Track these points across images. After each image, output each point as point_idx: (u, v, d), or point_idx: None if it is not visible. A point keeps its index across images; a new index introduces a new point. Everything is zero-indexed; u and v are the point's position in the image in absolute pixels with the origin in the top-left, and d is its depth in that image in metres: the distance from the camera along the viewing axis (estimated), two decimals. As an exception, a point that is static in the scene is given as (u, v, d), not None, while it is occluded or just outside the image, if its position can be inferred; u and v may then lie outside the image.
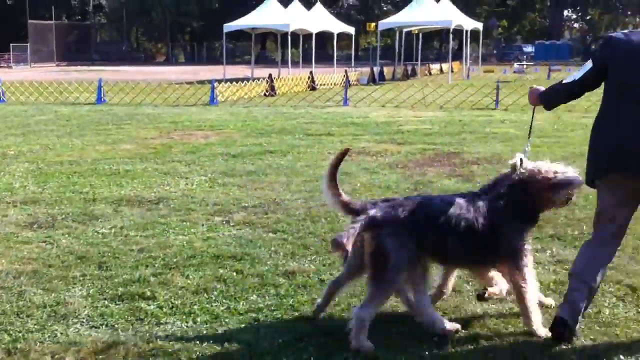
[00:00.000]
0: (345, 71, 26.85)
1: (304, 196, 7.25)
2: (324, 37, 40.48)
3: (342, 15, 62.89)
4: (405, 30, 37.57)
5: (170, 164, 9.22)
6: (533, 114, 4.66)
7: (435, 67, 40.59)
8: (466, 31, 35.13)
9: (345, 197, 3.91)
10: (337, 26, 35.96)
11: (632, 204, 3.81)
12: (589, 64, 3.93)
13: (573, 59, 61.81)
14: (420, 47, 40.24)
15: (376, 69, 31.37)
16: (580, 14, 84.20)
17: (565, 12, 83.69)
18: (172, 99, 19.60)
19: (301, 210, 6.67)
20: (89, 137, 11.98)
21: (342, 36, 38.52)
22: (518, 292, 3.84)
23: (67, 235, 5.85)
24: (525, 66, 34.42)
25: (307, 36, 36.48)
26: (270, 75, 22.39)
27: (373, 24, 35.49)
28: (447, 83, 26.95)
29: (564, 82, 4.11)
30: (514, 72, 33.46)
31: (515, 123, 13.48)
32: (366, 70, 32.06)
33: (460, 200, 3.86)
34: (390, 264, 3.64)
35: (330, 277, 4.74)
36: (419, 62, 38.84)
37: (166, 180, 8.19)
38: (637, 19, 77.74)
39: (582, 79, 3.94)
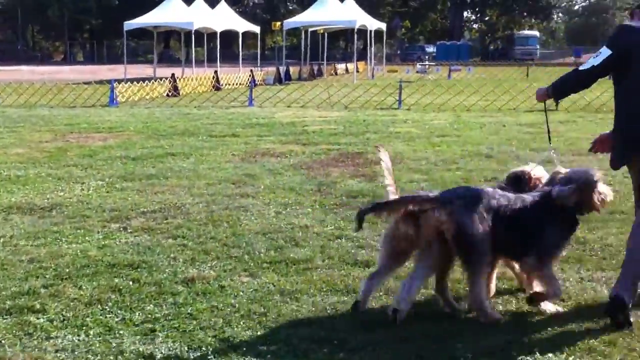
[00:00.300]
0: (251, 71, 26.72)
1: (206, 200, 7.11)
2: (229, 36, 40.14)
3: (248, 14, 62.62)
4: (310, 29, 37.78)
5: (65, 169, 8.84)
6: (546, 115, 5.12)
7: (341, 66, 41.03)
8: (370, 31, 35.70)
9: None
10: (242, 25, 35.71)
11: None
12: (605, 51, 4.05)
13: (472, 59, 64.07)
14: (326, 47, 40.56)
15: (282, 69, 31.37)
16: (479, 15, 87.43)
17: (465, 14, 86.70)
18: (69, 100, 18.84)
19: (203, 214, 6.54)
20: (-23, 141, 11.34)
21: (248, 35, 38.36)
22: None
23: (-52, 248, 5.48)
24: (427, 66, 35.31)
25: (212, 35, 36.00)
26: (173, 75, 21.93)
27: (278, 23, 35.48)
28: (352, 83, 27.28)
29: (580, 69, 4.24)
30: (417, 72, 34.28)
31: (418, 123, 13.77)
32: (272, 69, 32.01)
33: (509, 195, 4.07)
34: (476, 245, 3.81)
35: (231, 283, 4.67)
36: (324, 62, 39.13)
37: (60, 185, 7.84)
38: (532, 20, 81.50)
39: (601, 65, 4.05)
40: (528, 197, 4.08)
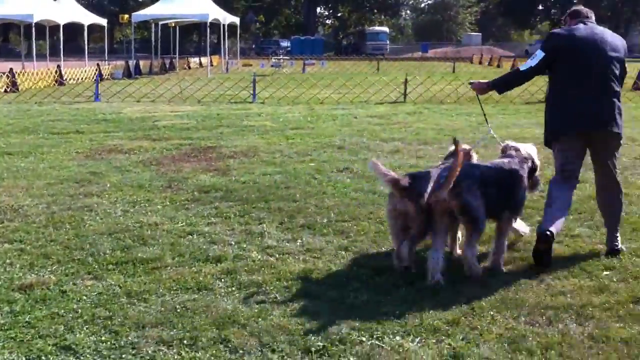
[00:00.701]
0: (97, 65, 25.54)
1: (47, 201, 6.66)
2: (74, 29, 38.15)
3: (94, 6, 59.92)
4: (161, 23, 36.71)
5: None
6: (480, 104, 6.30)
7: (194, 60, 40.27)
8: (224, 25, 35.30)
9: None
10: (87, 17, 34.00)
11: (582, 156, 5.10)
12: (540, 54, 5.11)
13: (326, 54, 65.23)
14: (178, 41, 39.60)
15: (132, 63, 30.25)
16: (332, 11, 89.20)
17: (319, 9, 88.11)
18: None
19: (42, 216, 6.12)
20: None
21: (95, 28, 36.64)
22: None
23: None
24: (282, 60, 35.49)
25: (55, 28, 34.02)
26: (11, 69, 20.43)
27: (126, 16, 34.13)
28: (205, 77, 26.83)
29: (521, 69, 5.25)
30: (271, 66, 34.30)
31: (272, 116, 13.75)
32: (121, 63, 30.78)
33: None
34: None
35: (73, 287, 4.40)
36: (177, 56, 38.23)
37: None
38: (382, 16, 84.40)
39: (538, 66, 5.11)
40: (505, 166, 4.93)
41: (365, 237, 5.50)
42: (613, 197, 5.07)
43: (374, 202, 6.56)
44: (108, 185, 7.36)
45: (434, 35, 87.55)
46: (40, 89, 20.09)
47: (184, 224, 5.92)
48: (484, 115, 6.29)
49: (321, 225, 5.82)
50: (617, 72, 4.98)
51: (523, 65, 5.21)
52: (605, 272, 4.63)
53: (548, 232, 4.72)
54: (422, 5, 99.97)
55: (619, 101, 4.96)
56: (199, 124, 12.43)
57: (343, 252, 5.14)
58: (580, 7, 5.39)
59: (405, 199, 4.58)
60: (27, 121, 12.82)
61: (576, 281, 4.48)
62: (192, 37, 78.09)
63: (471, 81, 5.56)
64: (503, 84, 5.40)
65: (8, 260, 4.95)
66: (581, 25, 5.14)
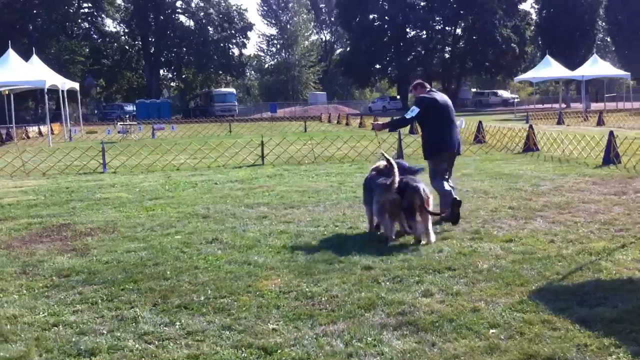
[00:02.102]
0: (372, 123, 23.49)
1: None
2: None
3: None
4: (-6, 90, 34.57)
5: None
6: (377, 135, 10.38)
7: (33, 129, 38.10)
8: (63, 91, 33.90)
9: None
10: None
11: (449, 164, 8.94)
12: (416, 109, 8.68)
13: (174, 117, 64.52)
14: (13, 109, 37.40)
15: (-37, 134, 28.09)
16: (175, 73, 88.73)
17: (162, 72, 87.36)
18: None
19: None
20: None
21: None
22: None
23: None
24: (129, 126, 34.53)
25: None
26: None
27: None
28: (48, 147, 25.45)
29: (406, 117, 8.79)
30: (118, 132, 33.21)
31: (127, 186, 13.17)
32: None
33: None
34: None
35: None
36: (13, 125, 36.04)
37: None
38: (227, 77, 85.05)
39: (416, 116, 8.70)
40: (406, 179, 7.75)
41: (248, 312, 5.28)
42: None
43: (250, 273, 6.37)
44: (-51, 276, 6.61)
45: (281, 95, 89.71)
46: None
47: (46, 314, 5.41)
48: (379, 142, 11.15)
49: (199, 304, 5.53)
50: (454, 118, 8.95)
51: (407, 115, 8.76)
52: (492, 330, 4.74)
53: (458, 198, 8.38)
54: (266, 65, 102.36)
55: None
56: (47, 200, 11.62)
57: (227, 332, 4.89)
58: (422, 81, 9.34)
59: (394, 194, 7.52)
60: None
61: (466, 342, 4.54)
62: (28, 104, 74.28)
63: (372, 122, 9.23)
64: (396, 126, 9.79)
65: None
66: (433, 92, 9.02)
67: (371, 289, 5.77)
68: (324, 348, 4.55)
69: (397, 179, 7.44)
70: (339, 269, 6.41)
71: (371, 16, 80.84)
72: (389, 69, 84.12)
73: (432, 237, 7.37)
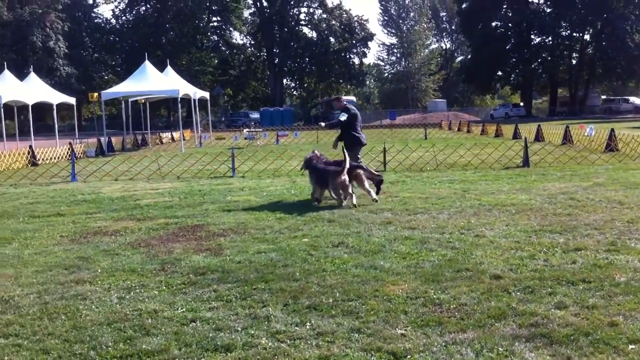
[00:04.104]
0: (70, 144, 25.33)
1: (38, 290, 6.41)
2: (42, 108, 38.08)
3: (62, 84, 60.10)
4: (131, 99, 36.87)
5: None
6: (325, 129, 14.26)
7: (166, 135, 40.28)
8: (194, 100, 35.56)
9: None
10: (55, 97, 34.01)
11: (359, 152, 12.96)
12: (345, 115, 12.43)
13: (296, 123, 65.91)
14: (148, 116, 39.71)
15: (104, 140, 30.12)
16: (298, 82, 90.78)
17: (285, 81, 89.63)
18: None
19: (36, 307, 5.86)
20: None
21: (63, 106, 36.61)
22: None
23: None
24: (255, 133, 35.68)
25: (22, 107, 33.93)
26: (-18, 151, 20.16)
27: (96, 94, 34.18)
28: (181, 152, 26.78)
29: (341, 119, 12.43)
30: (245, 138, 34.45)
31: (254, 190, 13.63)
32: (92, 141, 30.63)
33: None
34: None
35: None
36: (149, 131, 38.23)
37: None
38: (348, 86, 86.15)
39: (344, 121, 12.44)
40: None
41: (376, 316, 5.33)
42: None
43: (377, 277, 6.42)
44: (99, 270, 7.12)
45: (400, 103, 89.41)
46: (14, 170, 19.78)
47: (184, 309, 5.70)
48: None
49: (328, 306, 5.64)
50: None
51: (341, 118, 12.42)
52: (631, 346, 4.52)
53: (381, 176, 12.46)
54: (386, 74, 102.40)
55: None
56: (182, 201, 12.25)
57: (356, 335, 4.96)
58: (339, 97, 13.61)
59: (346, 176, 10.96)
60: (5, 205, 12.52)
61: (603, 357, 4.37)
62: (161, 111, 78.46)
63: (320, 123, 14.04)
64: (335, 126, 13.14)
65: (6, 357, 4.69)
66: (348, 104, 12.95)
67: (501, 298, 5.66)
68: (453, 356, 4.51)
69: (347, 165, 11.01)
70: (467, 277, 6.33)
71: (494, 23, 79.06)
72: (512, 75, 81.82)
73: (374, 195, 11.35)
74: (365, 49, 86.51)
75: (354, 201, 10.91)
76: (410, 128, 47.05)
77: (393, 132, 41.48)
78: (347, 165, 10.94)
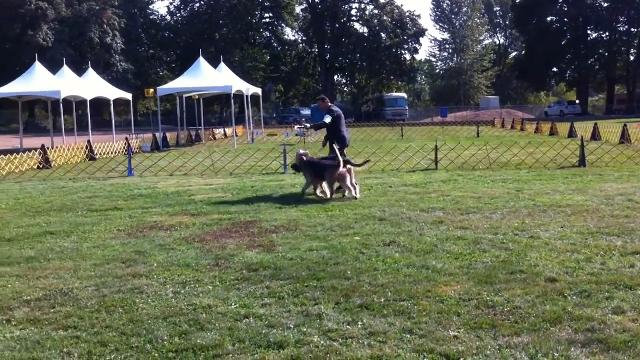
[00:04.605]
0: (126, 139, 25.89)
1: (96, 283, 6.59)
2: (99, 103, 39.03)
3: (119, 80, 61.42)
4: (185, 95, 37.46)
5: None
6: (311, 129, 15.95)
7: (219, 131, 40.79)
8: (246, 96, 35.90)
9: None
10: (112, 92, 34.83)
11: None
12: (329, 117, 12.73)
13: (347, 120, 65.87)
14: (202, 112, 40.29)
15: (159, 135, 30.69)
16: (349, 78, 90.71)
17: (336, 77, 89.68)
18: None
19: (94, 299, 6.03)
20: None
21: (119, 101, 37.44)
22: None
23: None
24: (306, 129, 35.76)
25: (80, 102, 34.85)
26: (43, 146, 20.78)
27: (152, 90, 34.88)
28: (233, 148, 27.09)
29: (326, 121, 12.73)
30: (296, 134, 34.61)
31: (305, 187, 13.69)
32: (148, 136, 31.22)
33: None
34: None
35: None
36: (202, 127, 38.77)
37: None
38: (399, 82, 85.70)
39: (330, 122, 12.72)
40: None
41: (428, 317, 5.31)
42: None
43: (429, 278, 6.39)
44: (154, 265, 7.28)
45: (451, 99, 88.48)
46: (73, 164, 20.34)
47: (237, 305, 5.78)
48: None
49: (379, 305, 5.64)
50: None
51: (325, 120, 12.72)
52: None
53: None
54: (437, 70, 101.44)
55: None
56: (234, 197, 12.41)
57: (408, 335, 4.96)
58: (324, 96, 13.89)
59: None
60: (64, 198, 12.90)
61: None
62: (214, 107, 79.44)
63: (305, 124, 15.25)
64: (318, 128, 14.04)
65: (65, 349, 4.84)
66: (332, 104, 13.25)
67: (556, 302, 5.57)
68: (507, 360, 4.47)
69: (341, 160, 11.81)
70: (521, 279, 6.25)
71: (549, 18, 77.44)
72: (567, 72, 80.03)
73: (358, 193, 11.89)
74: (416, 45, 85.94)
75: (356, 193, 11.80)
76: (461, 125, 46.53)
77: (444, 130, 41.11)
78: (342, 159, 11.77)
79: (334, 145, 12.56)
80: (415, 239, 8.14)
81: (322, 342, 4.88)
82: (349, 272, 6.68)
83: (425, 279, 6.36)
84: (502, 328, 5.02)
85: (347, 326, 5.19)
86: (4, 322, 5.46)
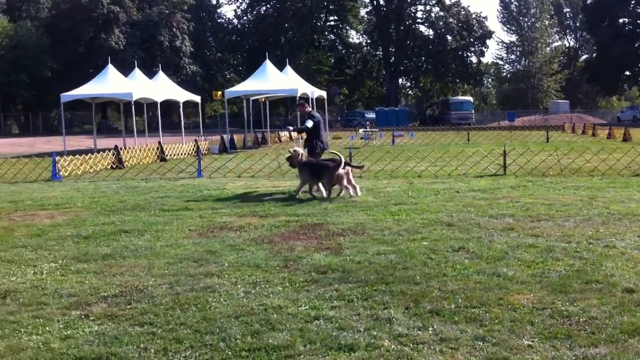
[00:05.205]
0: (196, 141, 26.44)
1: (169, 281, 6.76)
2: (169, 105, 40.00)
3: (187, 82, 62.75)
4: (252, 98, 37.99)
5: (14, 250, 8.34)
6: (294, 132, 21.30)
7: (284, 134, 41.18)
8: (312, 99, 36.15)
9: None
10: (182, 94, 35.62)
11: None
12: (310, 122, 13.54)
13: (411, 124, 65.48)
14: (268, 114, 40.77)
15: (226, 137, 31.22)
16: (414, 82, 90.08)
17: (401, 80, 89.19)
18: (10, 175, 18.15)
19: (168, 297, 6.19)
20: None
21: (188, 103, 38.25)
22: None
23: None
24: (371, 133, 35.81)
25: (151, 104, 35.80)
26: (116, 146, 21.45)
27: (220, 93, 35.51)
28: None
29: (308, 126, 13.60)
30: (361, 138, 34.67)
31: (372, 190, 13.69)
32: (216, 138, 31.79)
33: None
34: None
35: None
36: (268, 130, 39.24)
37: (11, 269, 7.36)
38: (465, 85, 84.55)
39: (311, 127, 13.57)
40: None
41: (501, 325, 5.24)
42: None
43: (500, 285, 6.30)
44: (225, 264, 7.42)
45: (519, 103, 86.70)
46: (145, 165, 20.91)
47: (307, 307, 5.83)
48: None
49: (450, 312, 5.59)
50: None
51: (307, 124, 13.49)
52: None
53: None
54: (504, 73, 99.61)
55: None
56: (302, 200, 12.50)
57: (480, 343, 4.90)
58: (304, 101, 14.94)
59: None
60: (138, 198, 13.28)
61: None
62: (279, 110, 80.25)
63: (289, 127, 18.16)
64: (301, 132, 14.58)
65: (142, 345, 4.98)
66: (313, 110, 14.44)
67: (634, 313, 5.40)
68: (585, 370, 4.37)
69: (342, 161, 12.37)
70: (597, 289, 6.09)
71: (621, 20, 75.00)
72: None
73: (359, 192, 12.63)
74: (483, 48, 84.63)
75: (358, 192, 12.59)
76: (530, 130, 45.57)
77: (512, 134, 40.34)
78: (343, 160, 12.37)
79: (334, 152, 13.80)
80: (485, 246, 8.03)
81: (392, 346, 4.88)
82: (418, 277, 6.65)
83: (497, 287, 6.27)
84: (579, 338, 4.91)
85: (418, 331, 5.17)
86: (83, 317, 5.67)
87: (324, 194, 12.41)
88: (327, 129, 44.99)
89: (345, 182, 12.35)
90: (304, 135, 14.44)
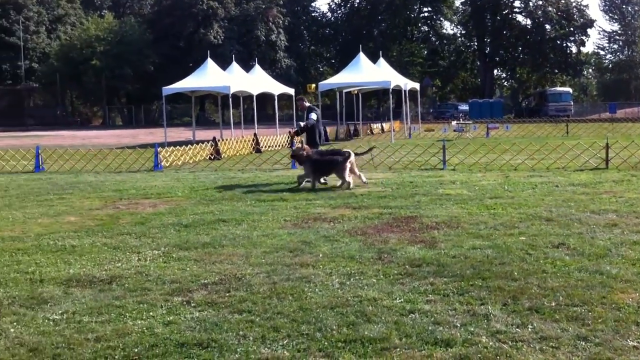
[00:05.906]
0: (289, 132, 26.78)
1: (266, 270, 6.91)
2: (264, 97, 40.73)
3: (282, 76, 63.63)
4: (345, 90, 38.11)
5: (119, 237, 8.75)
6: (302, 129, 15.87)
7: (376, 126, 41.09)
8: (405, 91, 35.86)
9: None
10: (277, 88, 36.17)
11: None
12: (315, 115, 14.88)
13: (506, 116, 63.77)
14: (360, 107, 40.79)
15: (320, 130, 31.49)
16: (509, 73, 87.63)
17: (495, 72, 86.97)
18: (114, 165, 19.03)
19: (265, 286, 6.33)
20: (30, 209, 11.37)
21: (282, 96, 38.80)
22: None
23: (15, 324, 5.35)
24: (464, 125, 35.19)
25: (246, 97, 36.55)
26: (214, 138, 22.07)
27: (313, 85, 35.84)
28: (391, 143, 27.18)
29: (312, 119, 14.61)
30: (454, 130, 34.10)
31: (466, 184, 13.48)
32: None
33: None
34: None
35: (307, 365, 4.42)
36: (360, 122, 39.26)
37: (117, 255, 7.72)
38: (564, 76, 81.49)
39: (315, 121, 14.82)
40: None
41: (604, 325, 5.05)
42: None
43: (604, 283, 6.07)
44: (320, 255, 7.50)
45: (621, 95, 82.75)
46: (241, 156, 21.42)
47: (402, 300, 5.82)
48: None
49: (550, 310, 5.44)
50: None
51: (312, 117, 14.48)
52: None
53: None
54: (606, 63, 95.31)
55: None
56: (394, 192, 12.48)
57: (583, 343, 4.75)
58: (302, 96, 15.88)
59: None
60: (234, 188, 13.62)
61: None
62: (371, 102, 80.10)
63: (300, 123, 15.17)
64: (302, 131, 15.03)
65: (241, 332, 5.11)
66: (311, 104, 15.32)
67: None
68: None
69: (351, 153, 13.43)
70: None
71: None
72: None
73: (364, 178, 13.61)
74: (584, 37, 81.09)
75: (363, 179, 13.54)
76: (633, 122, 43.47)
77: (614, 127, 38.61)
78: (352, 155, 13.35)
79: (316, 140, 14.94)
80: (587, 242, 7.76)
81: (490, 343, 4.80)
82: (515, 273, 6.51)
83: (600, 285, 6.05)
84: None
85: (517, 329, 5.07)
86: (185, 303, 5.87)
87: (345, 185, 13.12)
88: (420, 122, 44.68)
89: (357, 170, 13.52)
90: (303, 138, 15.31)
